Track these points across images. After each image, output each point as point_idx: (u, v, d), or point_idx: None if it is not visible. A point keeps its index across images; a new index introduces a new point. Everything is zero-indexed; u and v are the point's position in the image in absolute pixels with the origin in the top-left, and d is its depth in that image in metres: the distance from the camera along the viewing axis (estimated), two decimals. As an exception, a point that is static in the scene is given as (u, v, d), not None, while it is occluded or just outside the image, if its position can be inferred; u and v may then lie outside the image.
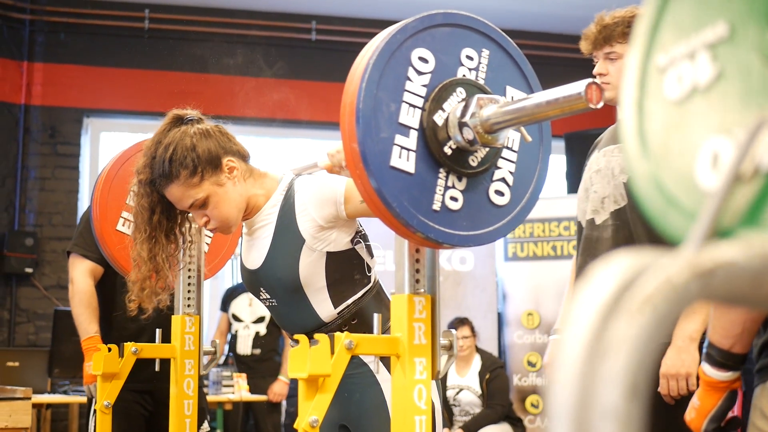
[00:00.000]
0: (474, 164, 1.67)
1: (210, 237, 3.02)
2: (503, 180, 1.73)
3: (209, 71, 7.91)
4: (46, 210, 7.65)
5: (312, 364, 1.66)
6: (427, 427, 1.71)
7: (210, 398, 5.89)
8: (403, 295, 1.74)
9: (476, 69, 1.69)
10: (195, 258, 2.83)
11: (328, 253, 2.25)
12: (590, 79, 1.46)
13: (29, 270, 7.38)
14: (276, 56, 7.81)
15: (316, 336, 1.68)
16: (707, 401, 1.88)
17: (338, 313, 2.29)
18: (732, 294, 0.58)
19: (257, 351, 6.50)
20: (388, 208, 1.57)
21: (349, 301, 2.29)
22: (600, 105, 1.45)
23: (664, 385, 2.51)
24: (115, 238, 2.89)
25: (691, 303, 0.57)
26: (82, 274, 3.57)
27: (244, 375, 6.34)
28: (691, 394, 2.39)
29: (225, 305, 6.70)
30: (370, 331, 1.88)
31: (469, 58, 1.68)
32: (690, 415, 1.92)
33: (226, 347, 6.65)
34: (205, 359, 2.87)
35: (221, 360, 6.63)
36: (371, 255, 2.34)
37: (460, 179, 1.66)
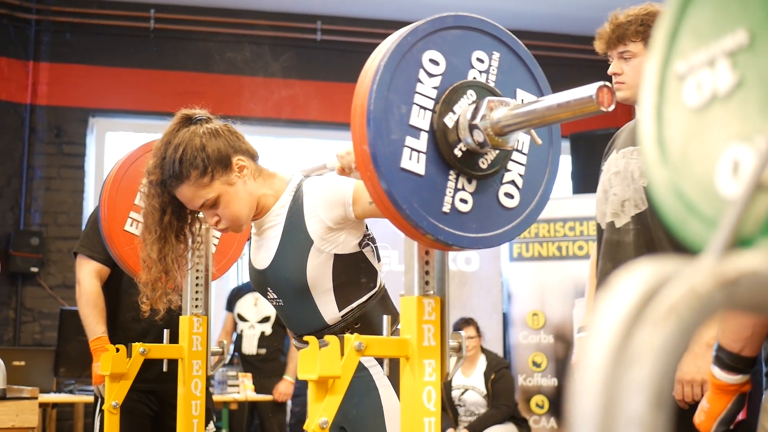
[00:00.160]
0: (484, 166, 1.67)
1: (217, 238, 3.02)
2: (513, 182, 1.73)
3: (214, 71, 7.92)
4: (52, 210, 7.66)
5: (322, 365, 1.66)
6: (436, 428, 1.71)
7: (215, 398, 5.90)
8: (412, 297, 1.74)
9: (487, 72, 1.69)
10: (203, 259, 2.83)
11: (336, 255, 2.25)
12: (602, 82, 1.46)
13: (35, 269, 7.39)
14: (281, 56, 7.81)
15: (327, 338, 1.69)
16: (717, 404, 1.88)
17: (342, 317, 2.29)
18: (756, 303, 0.58)
19: (263, 351, 6.50)
20: (398, 209, 1.57)
21: (354, 305, 2.29)
22: (611, 108, 1.45)
23: (679, 390, 2.50)
24: (123, 238, 2.89)
25: (715, 312, 0.57)
26: (88, 275, 3.58)
27: (249, 375, 6.34)
28: None
29: (230, 305, 6.71)
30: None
31: (480, 60, 1.68)
32: (699, 417, 1.92)
33: (231, 347, 6.65)
34: (212, 360, 2.88)
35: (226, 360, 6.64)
36: (378, 259, 2.34)
37: (470, 181, 1.66)
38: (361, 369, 2.25)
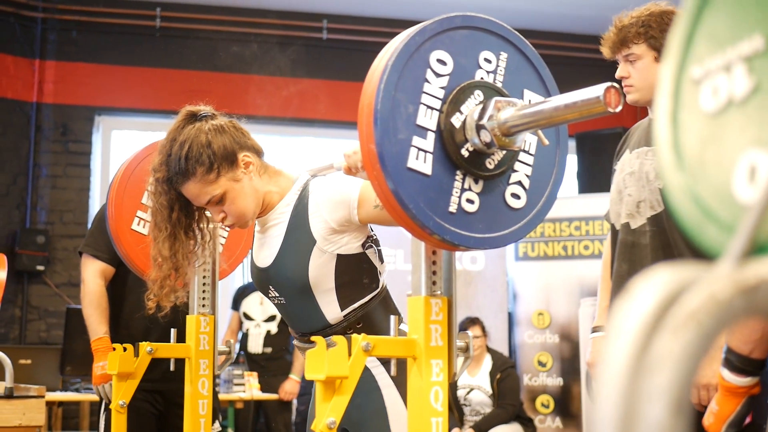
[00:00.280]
0: (491, 167, 1.67)
1: (224, 237, 3.02)
2: (519, 183, 1.73)
3: (220, 69, 7.93)
4: (58, 208, 7.68)
5: (330, 365, 1.66)
6: (443, 428, 1.71)
7: (221, 397, 5.90)
8: (419, 297, 1.74)
9: (494, 72, 1.69)
10: (210, 258, 2.83)
11: (339, 256, 2.24)
12: (609, 83, 1.46)
13: (41, 268, 7.41)
14: (287, 54, 7.81)
15: (334, 338, 1.68)
16: (726, 406, 1.88)
17: (344, 316, 2.29)
18: (776, 310, 0.58)
19: (268, 349, 6.51)
20: (405, 209, 1.57)
21: (356, 305, 2.29)
22: (619, 109, 1.44)
23: (694, 394, 2.49)
24: (130, 237, 2.90)
25: (735, 319, 0.57)
26: (92, 274, 3.58)
27: (255, 373, 6.34)
28: None
29: (236, 304, 6.71)
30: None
31: (488, 61, 1.68)
32: (708, 420, 1.92)
33: (237, 345, 6.66)
34: (219, 359, 2.88)
35: (231, 358, 6.64)
36: (381, 260, 2.34)
37: (476, 182, 1.66)
38: (364, 370, 2.24)
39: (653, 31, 2.72)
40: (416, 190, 1.57)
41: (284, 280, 2.30)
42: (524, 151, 1.74)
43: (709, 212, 0.67)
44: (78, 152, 7.78)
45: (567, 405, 6.93)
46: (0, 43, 7.60)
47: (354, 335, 1.71)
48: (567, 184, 7.93)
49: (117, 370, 2.72)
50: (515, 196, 1.72)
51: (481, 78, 1.67)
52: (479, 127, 1.60)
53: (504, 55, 1.70)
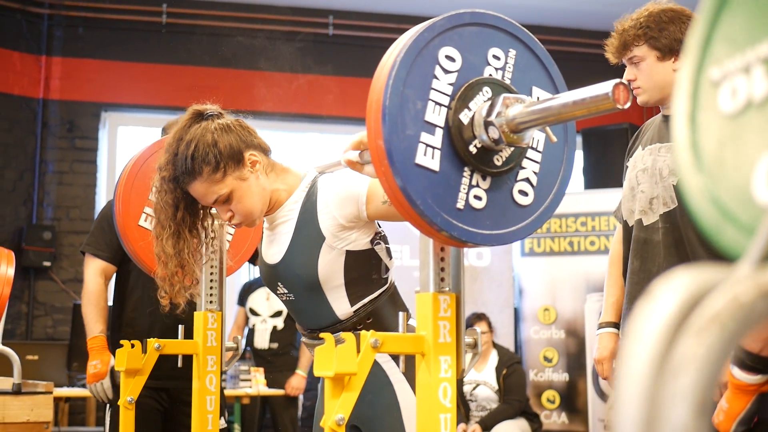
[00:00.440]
0: (498, 163, 1.67)
1: (231, 234, 3.02)
2: (527, 180, 1.73)
3: (226, 66, 7.93)
4: (64, 204, 7.69)
5: (338, 362, 1.66)
6: (452, 425, 1.71)
7: (227, 392, 5.91)
8: (428, 294, 1.74)
9: (503, 69, 1.69)
10: (217, 254, 2.84)
11: (348, 252, 2.25)
12: (617, 80, 1.45)
13: (47, 263, 7.42)
14: (293, 50, 7.81)
15: (342, 334, 1.69)
16: (736, 404, 1.88)
17: (354, 312, 2.29)
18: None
19: (275, 345, 6.51)
20: (413, 205, 1.57)
21: (366, 300, 2.29)
22: (627, 105, 1.44)
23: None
24: (138, 233, 2.90)
25: (758, 321, 0.57)
26: (93, 273, 3.60)
27: (261, 369, 6.34)
28: None
29: (242, 299, 6.72)
30: (385, 332, 1.87)
31: (496, 57, 1.68)
32: (718, 417, 1.92)
33: (243, 341, 6.66)
34: (226, 355, 2.89)
35: (237, 354, 6.64)
36: (390, 256, 2.34)
37: (484, 178, 1.66)
38: (374, 365, 2.24)
39: (652, 32, 2.75)
40: (424, 187, 1.57)
41: (293, 277, 2.30)
42: (532, 148, 1.73)
43: (728, 213, 0.67)
44: (84, 148, 7.79)
45: (573, 400, 6.93)
46: (6, 39, 7.61)
47: (363, 332, 1.71)
48: (573, 180, 7.91)
49: (125, 367, 2.73)
50: (523, 193, 1.72)
51: (490, 75, 1.66)
52: (487, 124, 1.60)
53: (513, 52, 1.70)
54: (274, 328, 6.53)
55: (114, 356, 3.56)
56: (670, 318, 0.59)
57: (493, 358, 6.14)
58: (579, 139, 7.69)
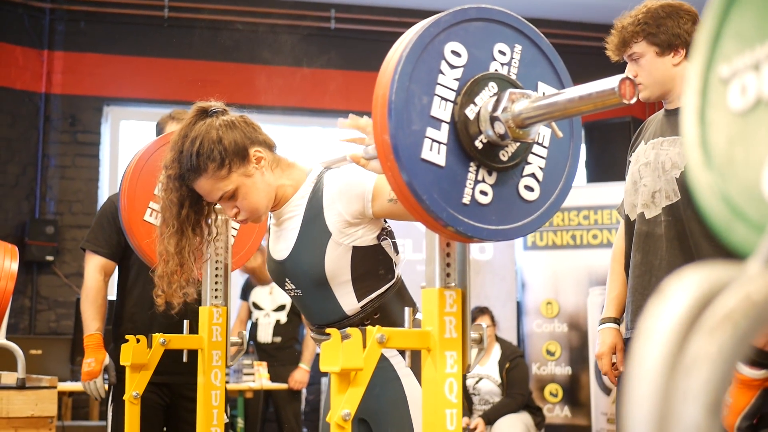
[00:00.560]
0: (504, 159, 1.67)
1: (236, 229, 3.03)
2: (533, 175, 1.73)
3: (228, 59, 7.93)
4: (67, 198, 7.69)
5: (344, 357, 1.66)
6: (458, 420, 1.71)
7: (230, 386, 5.92)
8: (434, 289, 1.74)
9: (508, 64, 1.69)
10: (222, 250, 2.84)
11: (354, 248, 2.25)
12: (623, 75, 1.45)
13: (50, 258, 7.43)
14: (295, 44, 7.81)
15: (349, 330, 1.69)
16: (740, 399, 1.88)
17: (361, 307, 2.30)
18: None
19: (278, 339, 6.51)
20: (419, 201, 1.57)
21: (373, 296, 2.30)
22: (634, 100, 1.44)
23: None
24: (143, 228, 2.90)
25: (770, 320, 0.57)
26: (92, 270, 3.61)
27: (264, 363, 6.35)
28: None
29: (245, 294, 6.72)
30: (392, 326, 1.88)
31: (502, 53, 1.68)
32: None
33: (246, 335, 6.66)
34: (231, 350, 2.89)
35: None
36: (396, 252, 2.35)
37: (490, 173, 1.66)
38: (382, 360, 2.25)
39: (650, 27, 2.78)
40: (430, 182, 1.57)
41: (301, 273, 2.31)
42: (538, 143, 1.73)
43: (738, 211, 0.67)
44: (86, 143, 7.79)
45: (575, 394, 6.94)
46: (8, 33, 7.61)
47: (369, 327, 1.71)
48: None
49: (130, 362, 2.73)
50: (529, 188, 1.72)
51: (496, 70, 1.66)
52: (493, 119, 1.60)
53: (518, 47, 1.70)
54: (277, 322, 6.53)
55: (109, 354, 3.58)
56: (683, 316, 0.59)
57: (496, 351, 6.14)
58: (581, 133, 7.67)
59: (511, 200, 1.69)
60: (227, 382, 4.81)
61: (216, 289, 2.83)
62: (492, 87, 1.64)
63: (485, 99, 1.63)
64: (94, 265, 3.62)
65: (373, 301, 2.29)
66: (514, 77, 1.68)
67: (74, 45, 7.83)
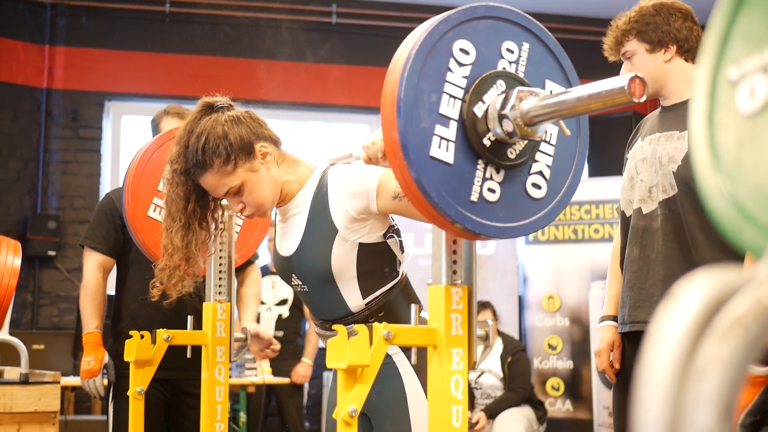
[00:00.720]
0: (512, 156, 1.67)
1: (239, 225, 3.03)
2: (540, 173, 1.73)
3: (230, 55, 7.92)
4: (68, 193, 7.69)
5: (351, 354, 1.67)
6: (463, 416, 1.71)
7: (233, 381, 5.92)
8: (440, 286, 1.74)
9: (516, 62, 1.69)
10: (225, 245, 2.84)
11: (361, 245, 2.25)
12: (633, 73, 1.46)
13: (52, 253, 7.43)
14: (296, 39, 7.80)
15: (355, 327, 1.69)
16: (744, 396, 1.88)
17: (366, 305, 2.30)
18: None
19: (280, 333, 6.51)
20: (427, 198, 1.57)
21: (378, 293, 2.30)
22: (643, 99, 1.45)
23: None
24: (146, 224, 2.90)
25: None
26: (91, 267, 3.61)
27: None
28: None
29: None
30: (396, 324, 1.88)
31: (510, 51, 1.68)
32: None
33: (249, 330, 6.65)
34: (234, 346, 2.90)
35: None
36: (402, 250, 2.35)
37: (498, 171, 1.66)
38: (384, 356, 2.25)
39: (640, 25, 2.84)
40: (438, 179, 1.57)
41: (307, 269, 2.31)
42: (545, 141, 1.74)
43: (747, 214, 0.67)
44: (88, 138, 7.79)
45: (577, 388, 6.95)
46: (10, 29, 7.60)
47: (375, 324, 1.72)
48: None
49: (134, 357, 2.73)
50: (536, 186, 1.72)
51: (504, 68, 1.67)
52: (501, 117, 1.60)
53: (526, 46, 1.70)
54: (279, 316, 6.53)
55: (107, 349, 3.58)
56: (694, 321, 0.59)
57: (498, 346, 6.15)
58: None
59: (519, 198, 1.70)
60: (230, 377, 4.81)
61: (220, 285, 2.83)
62: (500, 85, 1.65)
63: (493, 97, 1.63)
64: (92, 262, 3.62)
65: (377, 299, 2.30)
66: (522, 75, 1.69)
67: (75, 40, 7.82)
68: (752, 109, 0.69)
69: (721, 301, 0.59)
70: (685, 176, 2.72)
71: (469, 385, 6.09)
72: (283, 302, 6.54)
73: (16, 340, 3.54)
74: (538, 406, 6.20)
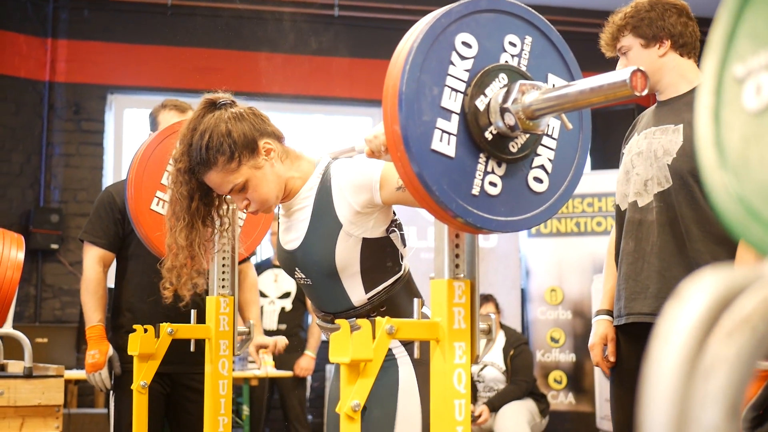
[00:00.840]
0: (514, 150, 1.67)
1: (242, 219, 3.03)
2: (542, 167, 1.73)
3: (232, 47, 7.91)
4: (71, 186, 7.69)
5: (354, 348, 1.67)
6: (466, 410, 1.72)
7: (236, 374, 5.92)
8: (442, 280, 1.74)
9: (519, 55, 1.68)
10: (229, 240, 2.84)
11: (364, 239, 2.25)
12: (635, 67, 1.45)
13: (55, 246, 7.43)
14: (299, 32, 7.79)
15: (358, 321, 1.70)
16: (747, 390, 1.88)
17: (368, 299, 2.30)
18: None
19: (283, 326, 6.52)
20: (429, 191, 1.57)
21: (380, 288, 2.30)
22: (645, 92, 1.44)
23: None
24: (149, 218, 2.91)
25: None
26: (91, 261, 3.61)
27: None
28: None
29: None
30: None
31: (512, 44, 1.68)
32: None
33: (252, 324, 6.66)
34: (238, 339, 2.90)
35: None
36: (404, 244, 2.35)
37: (499, 165, 1.66)
38: None
39: (635, 21, 2.88)
40: (440, 173, 1.57)
41: (311, 264, 2.31)
42: (547, 135, 1.73)
43: (753, 212, 0.67)
44: (91, 131, 7.79)
45: (579, 381, 6.96)
46: (12, 22, 7.60)
47: (378, 318, 1.72)
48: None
49: (138, 352, 2.74)
50: (538, 179, 1.72)
51: (506, 61, 1.66)
52: (503, 110, 1.60)
53: (528, 39, 1.70)
54: (282, 309, 6.54)
55: (111, 344, 3.59)
56: (701, 319, 0.59)
57: (501, 339, 6.15)
58: (586, 120, 7.66)
59: (521, 192, 1.69)
60: (233, 370, 4.82)
61: (223, 279, 2.83)
62: (502, 78, 1.64)
63: (495, 90, 1.63)
64: (92, 256, 3.62)
65: (380, 293, 2.30)
66: (524, 69, 1.68)
67: (78, 33, 7.81)
68: (758, 106, 0.69)
69: (728, 300, 0.59)
70: (679, 169, 2.75)
71: (472, 378, 6.09)
72: (286, 295, 6.54)
73: (19, 334, 3.54)
74: (540, 399, 6.20)
